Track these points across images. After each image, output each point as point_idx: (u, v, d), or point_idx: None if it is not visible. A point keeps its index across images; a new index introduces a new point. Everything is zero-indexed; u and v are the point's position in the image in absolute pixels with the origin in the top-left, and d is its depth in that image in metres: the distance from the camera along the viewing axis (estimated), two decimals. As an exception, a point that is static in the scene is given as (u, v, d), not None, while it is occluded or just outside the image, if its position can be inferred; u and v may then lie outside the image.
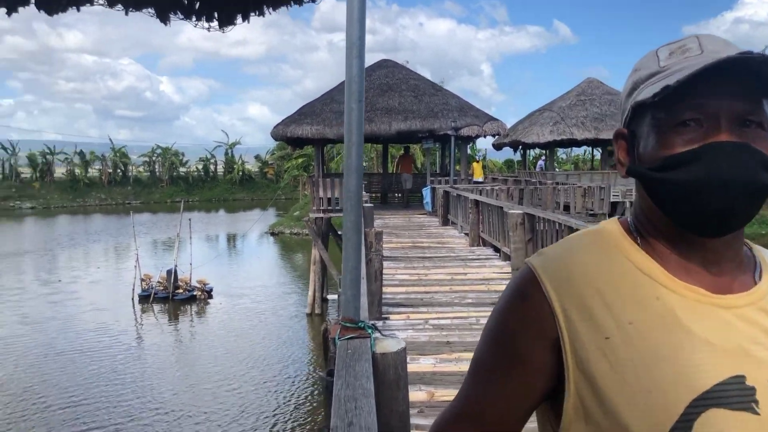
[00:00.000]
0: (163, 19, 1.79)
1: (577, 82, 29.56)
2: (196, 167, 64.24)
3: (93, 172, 59.76)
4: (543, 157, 32.24)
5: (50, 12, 1.83)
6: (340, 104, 19.56)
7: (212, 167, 64.01)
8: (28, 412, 10.58)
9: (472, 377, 1.01)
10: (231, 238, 36.33)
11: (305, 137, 19.35)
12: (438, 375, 5.23)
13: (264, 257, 30.32)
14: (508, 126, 23.72)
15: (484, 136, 20.71)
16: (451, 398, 3.83)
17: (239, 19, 1.90)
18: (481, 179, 23.16)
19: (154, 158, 61.92)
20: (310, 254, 21.50)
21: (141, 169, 62.88)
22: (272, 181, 61.38)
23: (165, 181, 60.40)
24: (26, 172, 58.47)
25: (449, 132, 18.70)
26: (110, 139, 61.71)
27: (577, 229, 7.67)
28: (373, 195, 22.31)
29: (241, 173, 62.32)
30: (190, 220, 22.00)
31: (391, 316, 6.94)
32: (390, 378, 2.65)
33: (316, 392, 11.62)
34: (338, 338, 2.62)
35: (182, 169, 63.02)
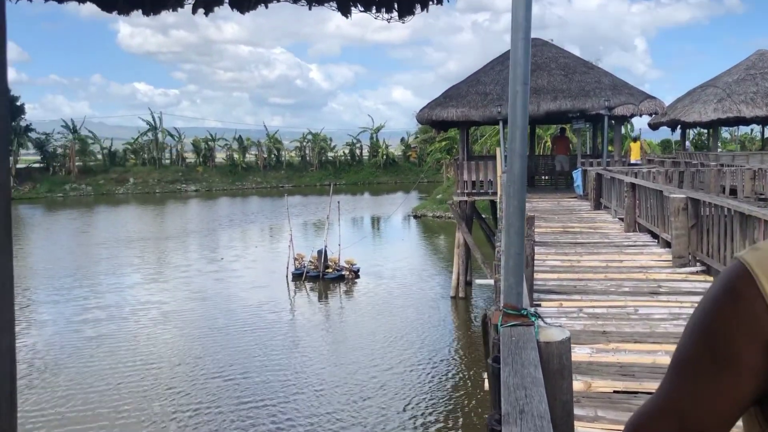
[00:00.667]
0: (345, 12, 1.84)
1: (745, 55, 27.05)
2: (343, 152, 66.37)
3: (250, 157, 63.60)
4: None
5: (242, 10, 1.96)
6: (486, 86, 19.32)
7: (358, 151, 65.82)
8: (192, 380, 11.54)
9: (676, 375, 0.95)
10: (375, 221, 37.23)
11: (450, 120, 19.31)
12: (594, 365, 5.05)
13: (407, 239, 30.80)
14: (666, 104, 22.21)
15: (640, 116, 19.55)
16: (609, 390, 3.68)
17: (418, 9, 1.92)
18: (638, 161, 21.76)
19: (304, 143, 64.77)
20: (452, 237, 21.58)
21: (293, 153, 66.00)
22: (415, 164, 62.05)
23: (314, 165, 63.01)
24: (190, 157, 63.36)
25: (602, 111, 17.86)
26: (265, 126, 65.34)
27: (750, 215, 7.05)
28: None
29: (385, 157, 63.55)
30: (339, 202, 22.81)
31: (543, 303, 6.78)
32: (554, 367, 2.60)
33: (472, 377, 11.68)
34: (501, 325, 2.60)
35: (330, 154, 65.42)
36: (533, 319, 2.61)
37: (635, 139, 24.16)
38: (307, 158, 64.33)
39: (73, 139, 58.21)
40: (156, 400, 10.54)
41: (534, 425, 1.72)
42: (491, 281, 10.95)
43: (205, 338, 13.92)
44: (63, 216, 41.20)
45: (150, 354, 12.93)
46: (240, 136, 63.33)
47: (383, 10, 1.93)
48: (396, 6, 1.93)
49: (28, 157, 60.07)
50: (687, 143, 26.41)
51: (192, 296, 17.88)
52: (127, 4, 1.88)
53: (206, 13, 2.03)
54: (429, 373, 11.68)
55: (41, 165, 57.25)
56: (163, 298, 17.72)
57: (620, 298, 6.95)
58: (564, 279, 7.92)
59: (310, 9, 1.87)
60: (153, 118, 61.62)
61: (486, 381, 6.24)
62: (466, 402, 10.41)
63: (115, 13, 1.90)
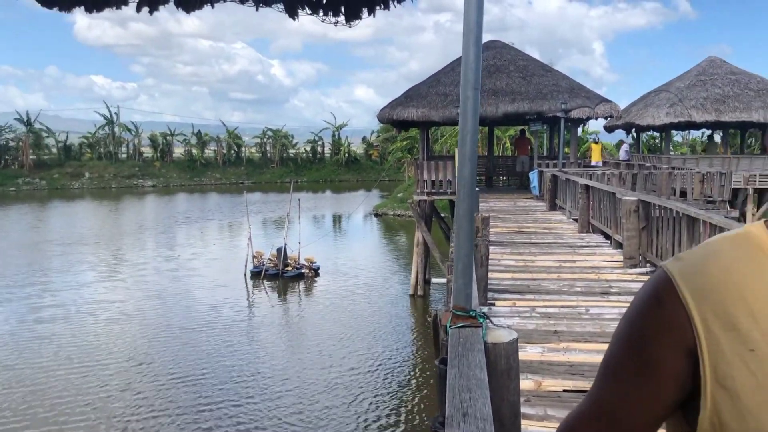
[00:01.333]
0: (292, 14, 1.84)
1: (697, 61, 27.84)
2: (305, 149, 66.05)
3: (209, 152, 62.80)
4: (625, 145, 27.69)
5: (188, 10, 1.94)
6: (446, 86, 19.43)
7: (320, 149, 65.58)
8: (148, 380, 11.36)
9: (602, 380, 0.98)
10: (337, 219, 37.15)
11: (411, 120, 19.37)
12: (545, 364, 5.15)
13: (368, 238, 30.84)
14: (621, 107, 22.67)
15: (596, 119, 19.94)
16: (559, 389, 3.77)
17: (365, 13, 1.92)
18: (599, 162, 22.07)
19: (265, 140, 64.24)
20: (412, 236, 21.66)
21: (253, 150, 65.41)
22: (377, 162, 62.13)
23: (275, 162, 62.55)
24: (148, 152, 62.23)
25: (558, 114, 18.15)
26: (222, 123, 64.50)
27: (696, 218, 7.27)
28: (478, 178, 22.08)
29: (347, 155, 63.49)
30: (299, 200, 22.69)
31: (497, 303, 6.87)
32: (501, 368, 2.64)
33: (422, 376, 11.75)
34: (450, 326, 2.63)
35: (291, 151, 65.04)
36: (481, 320, 2.66)
37: (596, 141, 24.40)
38: (268, 155, 63.84)
39: (27, 132, 56.63)
40: (112, 401, 10.34)
41: (477, 428, 1.75)
42: (444, 281, 11.06)
43: (161, 338, 13.70)
44: (15, 210, 40.05)
45: (106, 354, 12.67)
46: (199, 131, 62.49)
47: (330, 13, 1.94)
48: (343, 10, 1.94)
49: (-23, 150, 58.23)
50: (623, 148, 27.08)
51: (148, 295, 17.58)
52: (67, 0, 1.84)
53: (150, 12, 2.00)
54: (381, 372, 11.73)
55: (-8, 158, 55.59)
56: (119, 296, 17.37)
57: (572, 297, 7.09)
58: (518, 278, 8.04)
59: (257, 10, 1.86)
60: (110, 111, 60.34)
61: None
62: (415, 401, 10.48)
63: (56, 9, 1.86)
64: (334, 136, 64.45)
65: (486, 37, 21.77)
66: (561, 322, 6.17)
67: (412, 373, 11.80)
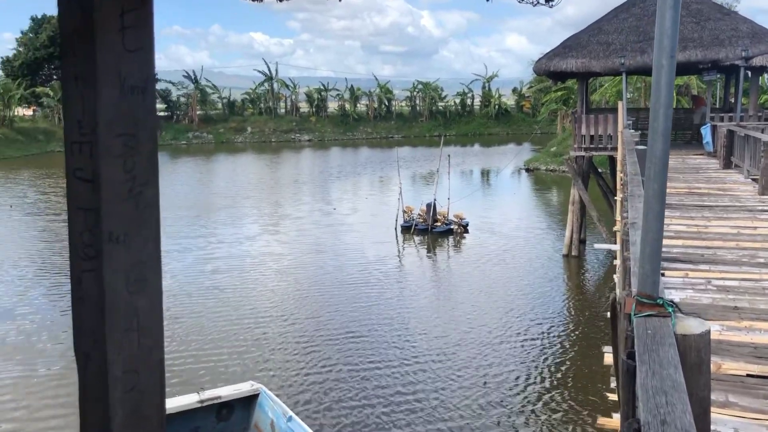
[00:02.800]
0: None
1: None
2: (454, 101, 65.51)
3: (361, 107, 64.20)
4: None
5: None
6: (609, 35, 18.25)
7: (469, 101, 64.75)
8: (312, 327, 12.02)
9: None
10: (486, 174, 36.73)
11: (569, 71, 18.44)
12: (724, 344, 4.77)
13: (519, 194, 30.22)
14: (814, 51, 20.06)
15: (783, 66, 17.84)
16: (742, 373, 3.46)
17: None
18: None
19: (415, 93, 64.43)
20: (565, 192, 20.93)
21: (403, 104, 65.92)
22: (529, 114, 60.39)
23: (425, 115, 62.71)
24: (304, 107, 64.77)
25: (738, 62, 16.44)
26: (375, 77, 65.40)
27: None
28: (643, 132, 20.71)
29: (497, 107, 62.20)
30: (449, 156, 22.64)
31: (667, 273, 6.44)
32: (692, 361, 2.45)
33: (582, 345, 11.46)
34: (634, 314, 2.48)
35: (441, 104, 64.78)
36: (670, 309, 2.47)
37: None
38: (418, 109, 64.09)
39: (195, 89, 60.93)
40: (278, 349, 11.08)
41: (678, 439, 1.64)
42: (611, 247, 10.55)
43: (321, 290, 14.37)
44: (187, 163, 43.53)
45: (272, 305, 13.54)
46: (352, 86, 63.90)
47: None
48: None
49: (154, 106, 63.56)
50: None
51: (308, 248, 18.47)
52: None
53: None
54: (532, 338, 11.51)
55: (166, 114, 60.48)
56: (282, 250, 18.31)
57: (754, 270, 6.49)
58: (690, 246, 7.48)
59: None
60: (268, 68, 63.23)
61: (605, 356, 6.07)
62: (582, 373, 10.16)
63: None
64: (484, 87, 63.31)
65: (654, -21, 19.98)
66: (742, 298, 5.68)
67: (568, 345, 11.48)
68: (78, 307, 1.31)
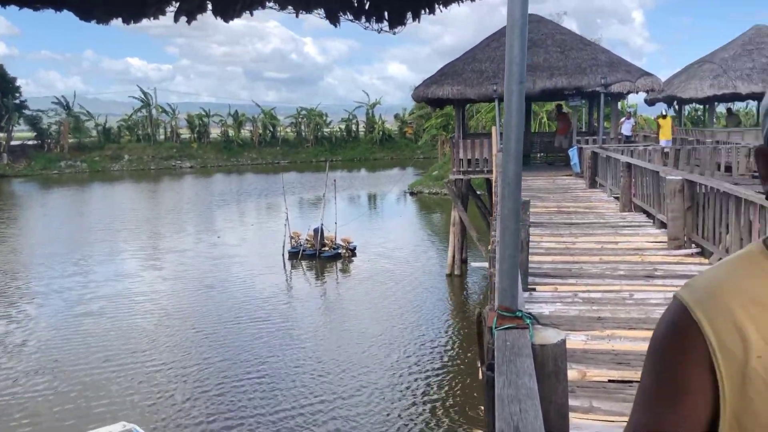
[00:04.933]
0: (333, 21, 1.79)
1: (743, 29, 26.84)
2: (339, 127, 66.02)
3: (245, 132, 63.24)
4: (627, 117, 23.66)
5: (226, 18, 1.90)
6: (482, 63, 19.15)
7: (354, 127, 65.48)
8: (195, 353, 11.58)
9: (641, 406, 1.06)
10: (372, 198, 37.19)
11: (446, 98, 19.16)
12: (590, 353, 5.05)
13: (404, 216, 30.80)
14: (663, 80, 22.01)
15: (636, 92, 19.44)
16: (604, 379, 3.70)
17: (410, 19, 1.87)
18: (669, 141, 19.65)
19: (299, 119, 64.37)
20: (448, 214, 21.55)
21: (288, 129, 65.62)
22: (411, 140, 61.81)
23: (310, 141, 62.73)
24: (185, 133, 62.94)
25: (598, 89, 17.74)
26: (255, 103, 64.71)
27: (744, 200, 7.04)
28: (515, 155, 21.73)
29: (381, 133, 63.28)
30: (335, 180, 22.75)
31: (538, 287, 6.77)
32: (549, 370, 2.59)
33: (461, 365, 11.74)
34: (495, 327, 2.58)
35: (326, 130, 65.06)
36: (528, 321, 2.60)
37: (664, 116, 21.38)
38: (303, 134, 64.00)
39: (67, 116, 57.75)
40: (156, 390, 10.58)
41: (528, 444, 1.71)
42: (486, 265, 10.95)
43: (202, 329, 13.86)
44: (58, 193, 41.03)
45: (150, 345, 12.92)
46: (236, 111, 62.92)
47: (373, 20, 1.88)
48: (386, 16, 1.87)
49: (21, 134, 59.61)
50: (625, 124, 23.55)
51: (190, 281, 17.84)
52: (105, 13, 1.82)
53: (188, 21, 1.97)
54: (417, 358, 11.72)
55: (36, 142, 56.80)
56: (162, 286, 17.32)
57: (615, 282, 6.95)
58: (559, 262, 7.91)
59: (297, 17, 1.82)
60: (144, 94, 61.07)
61: (480, 372, 6.26)
62: (462, 388, 10.43)
63: (93, 22, 1.84)
64: (368, 114, 64.29)
65: (522, 11, 21.21)
66: (604, 308, 6.06)
67: (449, 363, 11.76)
68: None
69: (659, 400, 1.02)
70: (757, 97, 25.72)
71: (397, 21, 1.90)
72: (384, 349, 11.94)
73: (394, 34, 1.94)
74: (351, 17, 1.82)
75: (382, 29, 1.88)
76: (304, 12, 1.78)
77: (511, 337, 2.49)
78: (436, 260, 19.80)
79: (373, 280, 17.22)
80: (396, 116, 67.70)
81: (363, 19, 1.81)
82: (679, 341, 1.00)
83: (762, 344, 0.93)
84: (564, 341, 2.64)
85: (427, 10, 1.96)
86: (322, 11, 1.78)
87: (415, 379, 10.57)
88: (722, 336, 0.95)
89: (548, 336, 2.62)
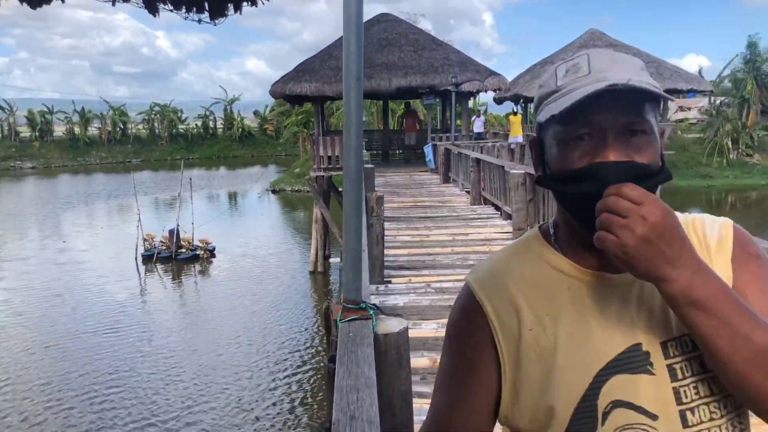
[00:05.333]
0: (152, 10, 1.73)
1: (582, 32, 29.04)
2: (195, 124, 63.79)
3: (92, 130, 59.43)
4: (478, 114, 25.01)
5: (33, 5, 1.77)
6: (339, 60, 19.27)
7: (211, 124, 63.56)
8: (38, 369, 10.76)
9: (440, 389, 1.13)
10: (232, 196, 36.34)
11: (304, 94, 19.13)
12: (440, 340, 5.23)
13: (266, 215, 30.36)
14: (510, 80, 23.34)
15: (485, 91, 20.46)
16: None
17: (231, 10, 1.84)
18: (519, 138, 20.65)
19: (152, 116, 61.46)
20: (311, 211, 21.54)
21: (140, 126, 62.47)
22: (272, 137, 61.08)
23: (164, 138, 60.09)
24: (25, 131, 58.11)
25: (450, 88, 18.47)
26: (104, 100, 61.04)
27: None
28: (374, 153, 22.18)
29: (240, 130, 61.90)
30: (191, 179, 21.95)
31: (393, 280, 6.96)
32: (392, 358, 2.67)
33: (318, 356, 11.78)
34: (340, 320, 2.63)
35: (181, 127, 62.60)
36: (371, 312, 2.66)
37: (515, 113, 22.43)
38: (156, 131, 61.16)
39: None
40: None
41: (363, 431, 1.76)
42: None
43: (50, 347, 12.91)
44: None
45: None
46: (82, 107, 58.89)
47: (194, 10, 1.84)
48: (207, 7, 1.84)
49: None
50: (477, 122, 25.36)
51: (34, 291, 16.51)
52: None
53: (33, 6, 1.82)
54: (277, 358, 11.63)
55: None
56: (1, 297, 16.04)
57: (465, 271, 7.25)
58: (414, 255, 8.17)
59: (113, 5, 1.73)
60: (-23, 88, 55.64)
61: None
62: (316, 387, 10.47)
63: None
64: (226, 110, 62.58)
65: (378, 9, 21.69)
66: (455, 297, 6.30)
67: (310, 360, 11.75)
68: None
69: (454, 380, 1.09)
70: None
71: (218, 12, 1.87)
72: (243, 349, 11.73)
73: (215, 24, 1.91)
74: (171, 7, 1.76)
75: (202, 20, 1.85)
76: (121, 1, 1.71)
77: (354, 329, 2.54)
78: (299, 258, 19.71)
79: (234, 281, 16.84)
80: (256, 113, 66.52)
81: (183, 10, 1.77)
82: (467, 323, 1.08)
83: (532, 318, 1.02)
84: (406, 330, 2.74)
85: (249, 2, 1.94)
86: (140, 1, 1.72)
87: (274, 379, 10.46)
88: (501, 314, 1.04)
89: (391, 325, 2.70)
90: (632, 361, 0.97)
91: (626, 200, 0.87)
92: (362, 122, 2.71)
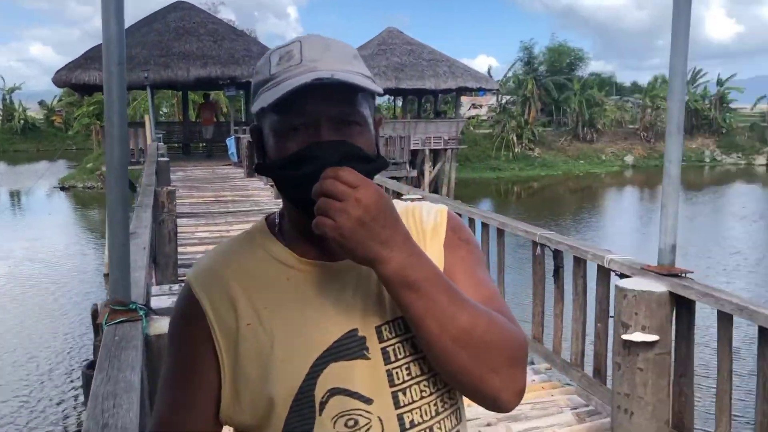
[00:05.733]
0: None
1: (382, 28, 30.06)
2: (-33, 115, 56.65)
3: None
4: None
5: None
6: (132, 48, 18.17)
7: (-13, 115, 56.85)
8: None
9: (162, 392, 1.05)
10: (15, 195, 32.84)
11: (93, 83, 17.75)
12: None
13: (55, 214, 27.76)
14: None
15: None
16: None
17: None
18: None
19: None
20: (105, 209, 20.09)
21: None
22: (61, 129, 56.05)
23: (-73, 130, 52.64)
24: None
25: (251, 80, 18.17)
26: None
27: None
28: (175, 145, 21.21)
29: (22, 121, 56.00)
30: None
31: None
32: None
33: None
34: (105, 324, 2.45)
35: (-52, 118, 55.28)
36: (142, 313, 2.51)
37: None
38: None
39: None
40: None
41: (114, 440, 1.64)
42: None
43: None
44: None
45: None
46: None
47: None
48: None
49: None
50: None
51: None
52: None
53: None
54: (70, 366, 10.75)
55: None
56: None
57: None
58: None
59: None
60: None
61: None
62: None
63: None
64: (4, 100, 56.29)
65: (174, -2, 20.67)
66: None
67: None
68: None
69: (175, 381, 1.03)
70: (392, 92, 29.17)
71: None
72: (21, 365, 10.64)
73: None
74: None
75: None
76: None
77: (122, 332, 2.38)
78: (92, 259, 18.27)
79: (13, 289, 15.19)
80: (41, 103, 60.59)
81: None
82: (185, 320, 1.03)
83: (251, 312, 0.99)
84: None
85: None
86: None
87: (65, 391, 9.63)
88: (219, 310, 1.00)
89: (164, 325, 2.57)
90: (348, 348, 0.98)
91: (342, 184, 0.87)
92: (125, 110, 2.54)
